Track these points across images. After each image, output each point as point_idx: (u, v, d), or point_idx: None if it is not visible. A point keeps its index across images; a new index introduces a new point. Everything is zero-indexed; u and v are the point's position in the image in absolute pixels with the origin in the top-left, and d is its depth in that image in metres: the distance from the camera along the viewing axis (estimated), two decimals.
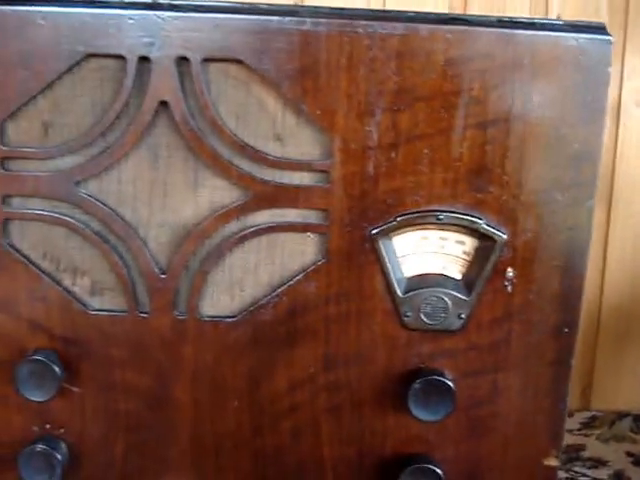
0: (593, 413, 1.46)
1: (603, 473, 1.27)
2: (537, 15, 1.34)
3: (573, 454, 1.31)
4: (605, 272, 1.44)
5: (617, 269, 1.45)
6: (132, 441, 0.86)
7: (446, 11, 1.30)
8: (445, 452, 0.87)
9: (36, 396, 0.82)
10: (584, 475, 1.26)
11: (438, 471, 0.84)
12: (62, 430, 0.86)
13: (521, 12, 1.34)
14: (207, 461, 0.87)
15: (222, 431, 0.86)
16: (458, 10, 1.33)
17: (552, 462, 0.88)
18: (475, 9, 1.34)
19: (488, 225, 0.81)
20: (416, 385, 0.82)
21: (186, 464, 0.87)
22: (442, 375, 0.83)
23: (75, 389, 0.85)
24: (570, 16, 1.33)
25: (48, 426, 0.86)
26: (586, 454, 1.32)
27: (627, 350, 1.49)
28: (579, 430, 1.40)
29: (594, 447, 1.35)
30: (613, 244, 1.43)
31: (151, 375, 0.85)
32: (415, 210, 0.81)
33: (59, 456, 0.84)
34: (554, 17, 1.35)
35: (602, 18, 1.34)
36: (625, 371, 1.50)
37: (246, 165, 0.80)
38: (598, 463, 1.30)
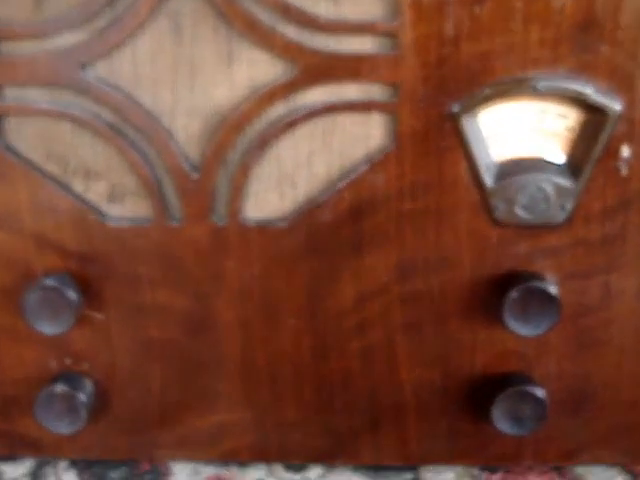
0: None
1: None
2: None
3: None
4: None
5: None
6: (170, 373, 0.83)
7: None
8: (548, 369, 0.82)
9: (50, 329, 0.78)
10: None
11: (539, 394, 0.78)
12: (86, 365, 0.83)
13: None
14: (262, 391, 0.83)
15: (277, 356, 0.82)
16: None
17: None
18: None
19: (598, 93, 0.72)
20: (513, 294, 0.75)
21: (237, 396, 0.83)
22: (543, 280, 0.76)
23: (98, 315, 0.80)
24: None
25: (69, 361, 0.82)
26: None
27: None
28: None
29: None
30: None
31: (188, 294, 0.79)
32: (506, 78, 0.72)
33: (83, 396, 0.80)
34: None
35: None
36: None
37: (292, 31, 0.71)
38: None
